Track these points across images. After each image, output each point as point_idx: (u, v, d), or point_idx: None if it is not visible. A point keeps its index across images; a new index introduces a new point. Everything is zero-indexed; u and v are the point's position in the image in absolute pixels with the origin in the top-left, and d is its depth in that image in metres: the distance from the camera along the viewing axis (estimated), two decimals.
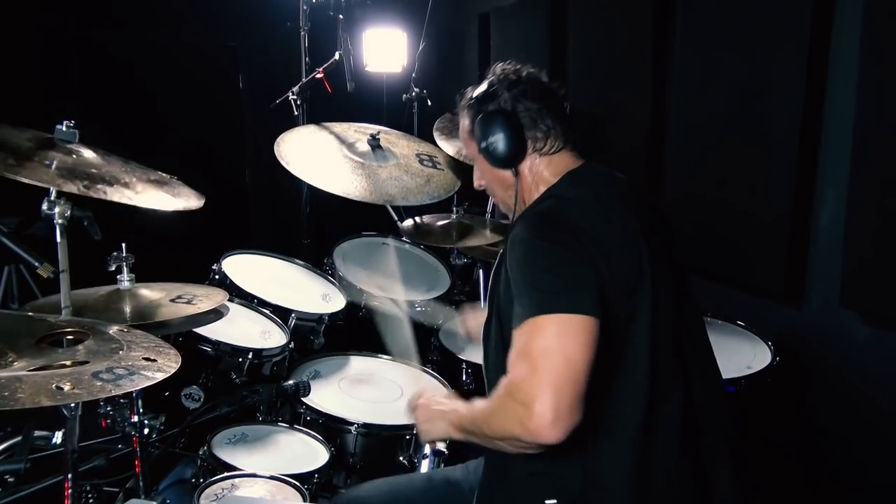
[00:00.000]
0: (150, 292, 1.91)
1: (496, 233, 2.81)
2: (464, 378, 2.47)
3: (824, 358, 2.38)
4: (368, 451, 2.07)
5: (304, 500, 1.75)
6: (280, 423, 2.10)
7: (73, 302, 1.69)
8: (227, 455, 1.89)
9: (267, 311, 2.41)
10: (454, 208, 2.89)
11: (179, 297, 1.92)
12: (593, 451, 1.30)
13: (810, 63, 2.28)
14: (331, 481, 2.01)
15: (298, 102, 3.06)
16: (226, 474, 1.79)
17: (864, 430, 2.26)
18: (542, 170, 1.46)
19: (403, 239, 2.96)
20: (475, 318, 1.87)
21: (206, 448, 1.92)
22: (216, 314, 1.98)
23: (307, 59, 3.23)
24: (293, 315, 2.42)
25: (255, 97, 4.96)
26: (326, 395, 2.21)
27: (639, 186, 1.53)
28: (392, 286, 2.72)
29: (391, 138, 2.69)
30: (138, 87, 4.61)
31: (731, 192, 2.62)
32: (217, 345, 2.16)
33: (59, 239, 1.63)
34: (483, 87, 1.51)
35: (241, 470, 1.82)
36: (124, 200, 1.65)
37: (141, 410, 1.80)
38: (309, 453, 1.99)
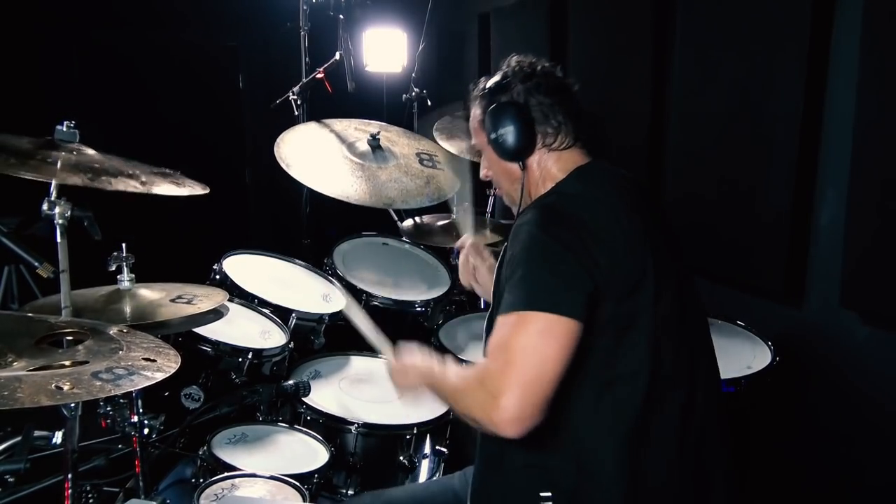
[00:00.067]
0: (150, 292, 1.91)
1: (496, 233, 2.81)
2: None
3: (824, 358, 2.38)
4: (368, 451, 2.07)
5: (304, 500, 1.75)
6: (280, 423, 2.10)
7: (73, 302, 1.69)
8: (227, 455, 1.89)
9: (267, 311, 2.41)
10: (454, 208, 2.89)
11: (179, 297, 1.92)
12: (589, 445, 1.31)
13: (810, 63, 2.28)
14: (331, 481, 2.01)
15: (299, 102, 3.06)
16: (226, 474, 1.79)
17: (864, 430, 2.26)
18: (550, 165, 1.46)
19: (403, 239, 2.96)
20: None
21: (206, 448, 1.92)
22: (216, 314, 1.98)
23: (307, 59, 3.23)
24: (293, 315, 2.42)
25: (256, 97, 4.96)
26: (326, 395, 2.21)
27: (643, 185, 1.53)
28: (392, 286, 2.72)
29: (391, 136, 2.69)
30: (138, 87, 4.61)
31: (731, 191, 2.62)
32: (217, 345, 2.16)
33: (59, 239, 1.63)
34: (497, 77, 1.50)
35: (241, 470, 1.82)
36: (129, 189, 1.66)
37: (141, 410, 1.80)
38: (309, 453, 1.99)
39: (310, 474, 1.87)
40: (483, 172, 1.61)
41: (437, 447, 2.14)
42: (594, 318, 1.27)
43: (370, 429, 2.06)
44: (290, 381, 2.05)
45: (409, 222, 2.95)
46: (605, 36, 3.28)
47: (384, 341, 1.74)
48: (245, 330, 2.31)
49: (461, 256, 1.82)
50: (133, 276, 1.89)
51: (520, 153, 1.45)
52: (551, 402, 1.22)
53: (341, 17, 3.12)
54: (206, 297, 1.94)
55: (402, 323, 2.69)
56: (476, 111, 1.53)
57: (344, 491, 2.02)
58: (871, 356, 2.22)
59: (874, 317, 2.19)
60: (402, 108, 3.70)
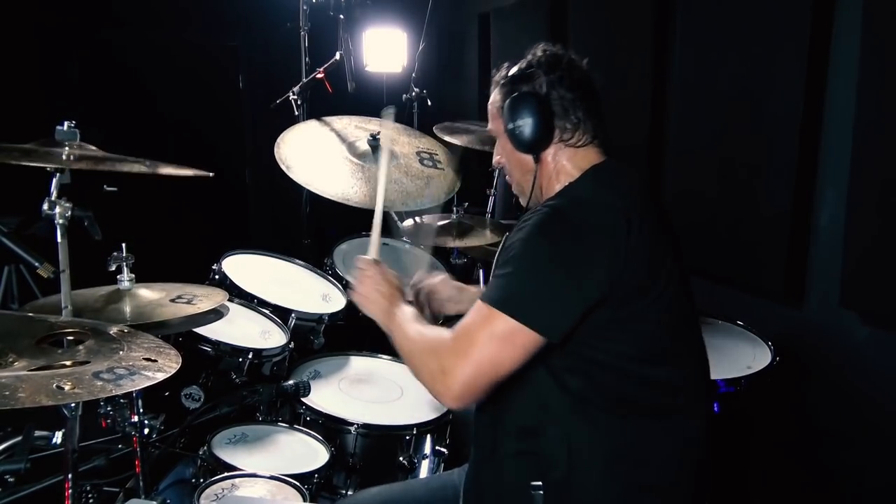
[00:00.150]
0: (150, 292, 1.91)
1: (496, 233, 2.81)
2: None
3: (824, 358, 2.38)
4: (368, 452, 2.07)
5: (304, 500, 1.75)
6: (280, 423, 2.10)
7: (73, 302, 1.69)
8: (227, 455, 1.89)
9: (267, 311, 2.41)
10: (454, 208, 2.89)
11: (179, 297, 1.92)
12: (580, 436, 1.32)
13: (810, 63, 2.28)
14: (331, 481, 2.01)
15: (299, 102, 3.06)
16: (226, 474, 1.79)
17: (864, 431, 2.26)
18: (565, 162, 1.44)
19: (403, 239, 2.96)
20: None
21: (206, 448, 1.92)
22: (216, 314, 1.98)
23: (307, 59, 3.23)
24: (293, 315, 2.42)
25: (256, 97, 4.96)
26: (326, 395, 2.21)
27: (651, 187, 1.52)
28: None
29: (392, 134, 2.69)
30: (138, 86, 4.61)
31: (731, 191, 2.62)
32: (217, 345, 2.16)
33: (59, 239, 1.63)
34: (521, 65, 1.46)
35: (241, 470, 1.82)
36: (135, 171, 1.66)
37: (141, 410, 1.80)
38: (309, 453, 1.99)
39: (310, 474, 1.87)
40: (495, 159, 1.57)
41: (437, 447, 2.14)
42: (590, 319, 1.28)
43: (370, 429, 2.06)
44: (290, 381, 2.05)
45: (409, 222, 2.95)
46: (605, 36, 3.28)
47: (377, 248, 1.73)
48: (245, 330, 2.31)
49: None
50: (133, 276, 1.89)
51: (535, 146, 1.43)
52: (494, 387, 1.30)
53: (341, 17, 3.12)
54: (206, 297, 1.94)
55: None
56: (496, 96, 1.50)
57: (344, 491, 2.01)
58: (871, 356, 2.22)
59: (874, 317, 2.19)
60: (403, 108, 3.70)
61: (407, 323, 1.46)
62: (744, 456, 2.42)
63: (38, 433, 1.81)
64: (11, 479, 1.74)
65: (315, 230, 3.35)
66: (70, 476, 1.57)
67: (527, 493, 1.33)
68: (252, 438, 2.02)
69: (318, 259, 2.85)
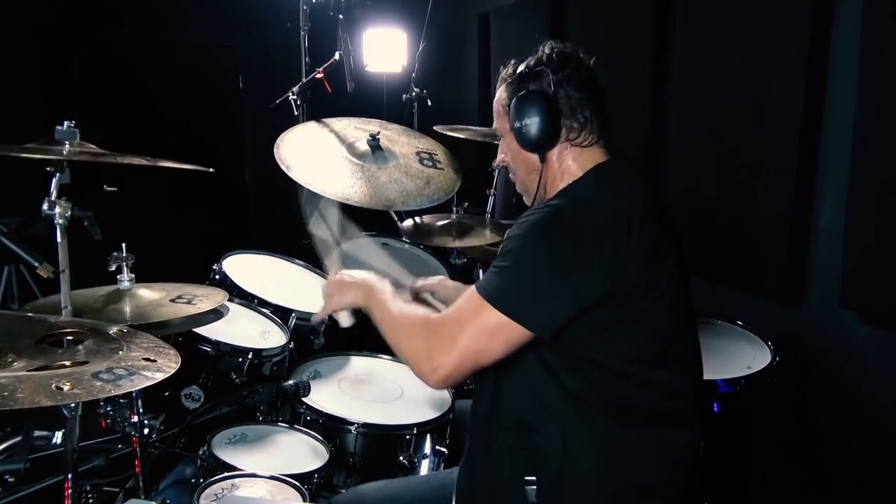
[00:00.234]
0: (150, 292, 1.91)
1: (496, 233, 2.81)
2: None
3: (824, 358, 2.38)
4: (368, 451, 2.07)
5: (304, 500, 1.75)
6: (280, 423, 2.10)
7: (73, 302, 1.69)
8: (227, 455, 1.89)
9: (267, 311, 2.41)
10: (454, 208, 2.89)
11: (179, 297, 1.92)
12: (576, 434, 1.32)
13: (810, 63, 2.28)
14: (331, 481, 2.01)
15: (298, 102, 3.05)
16: (226, 474, 1.79)
17: (864, 431, 2.26)
18: (570, 161, 1.44)
19: (403, 239, 2.96)
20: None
21: (206, 448, 1.92)
22: (216, 314, 1.97)
23: (307, 59, 3.23)
24: (293, 315, 2.42)
25: (255, 97, 4.96)
26: (326, 395, 2.21)
27: (653, 188, 1.52)
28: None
29: (391, 135, 2.69)
30: (138, 86, 4.62)
31: (731, 191, 2.62)
32: (217, 345, 2.16)
33: (59, 239, 1.63)
34: (529, 62, 1.45)
35: (241, 470, 1.82)
36: (135, 163, 1.67)
37: (141, 410, 1.80)
38: (309, 453, 1.99)
39: (310, 474, 1.87)
40: (499, 158, 1.56)
41: (437, 447, 2.14)
42: (581, 320, 1.29)
43: (370, 429, 2.06)
44: (290, 381, 2.05)
45: (409, 222, 2.94)
46: (605, 36, 3.28)
47: (335, 255, 1.77)
48: (245, 330, 2.31)
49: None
50: (133, 276, 1.89)
51: (542, 145, 1.42)
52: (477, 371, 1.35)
53: (341, 17, 3.12)
54: (206, 297, 1.94)
55: None
56: (502, 94, 1.48)
57: (344, 491, 2.01)
58: (871, 356, 2.22)
59: (874, 317, 2.19)
60: (402, 108, 3.70)
61: (388, 299, 1.49)
62: (744, 456, 2.42)
63: (37, 433, 1.81)
64: (11, 479, 1.75)
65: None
66: (70, 476, 1.57)
67: (520, 488, 1.33)
68: (252, 438, 2.02)
69: (318, 259, 2.84)
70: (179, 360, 1.38)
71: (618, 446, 1.33)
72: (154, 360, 1.34)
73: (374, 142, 2.54)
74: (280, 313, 2.41)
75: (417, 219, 2.94)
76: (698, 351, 1.47)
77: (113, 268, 1.87)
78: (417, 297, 1.82)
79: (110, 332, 1.45)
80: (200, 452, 1.93)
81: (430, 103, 3.66)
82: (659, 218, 1.39)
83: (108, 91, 4.60)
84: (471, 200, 2.97)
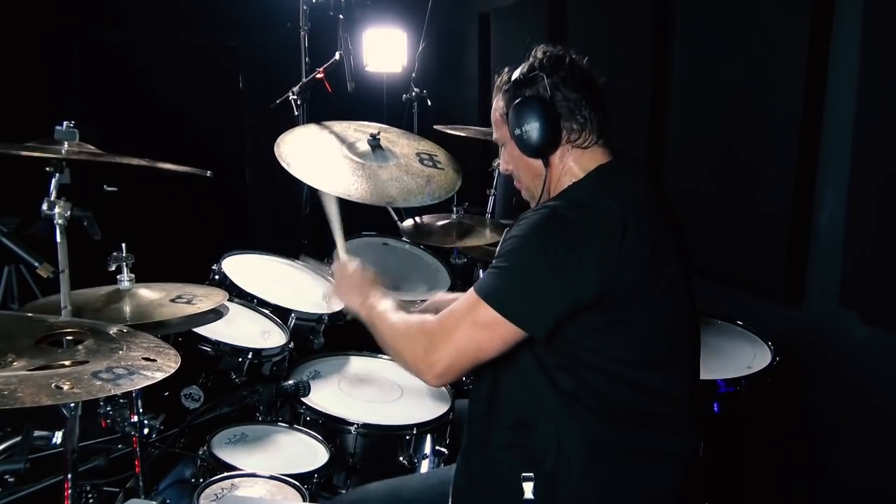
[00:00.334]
0: (149, 292, 1.91)
1: (496, 233, 2.81)
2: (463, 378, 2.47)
3: (824, 358, 2.38)
4: (368, 451, 2.07)
5: (304, 500, 1.75)
6: (280, 423, 2.09)
7: (73, 302, 1.69)
8: (227, 455, 1.89)
9: (267, 311, 2.41)
10: (454, 208, 2.89)
11: (179, 297, 1.92)
12: (570, 433, 1.33)
13: (810, 63, 2.27)
14: (331, 481, 2.01)
15: (298, 102, 3.06)
16: (226, 474, 1.79)
17: (864, 431, 2.26)
18: (572, 163, 1.44)
19: (403, 239, 2.96)
20: None
21: (206, 448, 1.92)
22: (216, 314, 1.98)
23: (307, 59, 3.23)
24: (293, 315, 2.42)
25: (256, 97, 4.96)
26: (326, 395, 2.21)
27: (655, 185, 1.52)
28: (392, 286, 2.71)
29: (391, 137, 2.69)
30: (138, 87, 4.62)
31: (731, 191, 2.62)
32: (217, 345, 2.16)
33: (59, 239, 1.63)
34: (523, 69, 1.44)
35: (241, 470, 1.82)
36: (134, 163, 1.68)
37: (141, 410, 1.80)
38: (309, 453, 1.99)
39: (310, 474, 1.87)
40: (503, 167, 1.56)
41: (437, 447, 2.14)
42: (576, 320, 1.30)
43: (370, 429, 2.06)
44: (290, 381, 2.05)
45: (409, 222, 2.94)
46: (605, 36, 3.28)
47: (343, 242, 1.80)
48: (245, 330, 2.31)
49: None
50: (133, 276, 1.89)
51: (545, 149, 1.42)
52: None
53: (341, 17, 3.12)
54: (205, 297, 1.94)
55: None
56: (499, 103, 1.49)
57: (344, 491, 2.01)
58: (871, 356, 2.22)
59: (874, 317, 2.19)
60: (402, 108, 3.70)
61: (388, 311, 1.50)
62: (744, 456, 2.42)
63: (37, 433, 1.81)
64: (11, 479, 1.75)
65: (315, 230, 3.35)
66: (70, 476, 1.57)
67: (517, 485, 1.34)
68: (252, 438, 2.02)
69: (318, 259, 2.85)
70: (179, 359, 1.38)
71: (610, 447, 1.33)
72: (154, 360, 1.34)
73: (374, 141, 2.55)
74: (280, 313, 2.41)
75: (417, 219, 2.94)
76: (697, 353, 1.46)
77: (113, 268, 1.87)
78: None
79: (110, 331, 1.45)
80: (200, 452, 1.93)
81: (430, 103, 3.66)
82: (661, 218, 1.39)
83: (107, 91, 4.60)
84: (471, 200, 2.97)
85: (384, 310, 1.51)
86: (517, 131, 1.42)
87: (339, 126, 2.68)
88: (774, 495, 2.58)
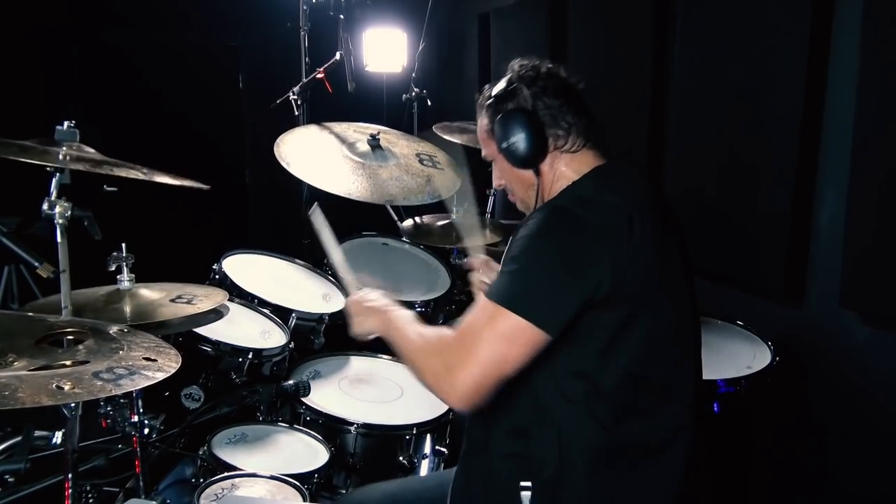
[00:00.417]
0: (150, 292, 1.91)
1: (496, 233, 2.81)
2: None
3: (824, 358, 2.38)
4: (368, 451, 2.07)
5: (304, 500, 1.75)
6: (280, 423, 2.10)
7: (73, 302, 1.69)
8: (227, 455, 1.89)
9: (267, 311, 2.41)
10: (454, 208, 2.89)
11: (179, 297, 1.92)
12: (574, 439, 1.32)
13: (810, 63, 2.27)
14: (331, 481, 2.01)
15: (299, 102, 3.06)
16: (226, 474, 1.79)
17: (864, 431, 2.26)
18: (564, 167, 1.44)
19: (403, 239, 2.96)
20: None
21: (206, 448, 1.92)
22: (216, 314, 1.98)
23: (307, 59, 3.23)
24: (293, 315, 2.42)
25: (256, 97, 4.96)
26: (326, 395, 2.21)
27: (656, 186, 1.52)
28: (392, 286, 2.72)
29: (391, 138, 2.69)
30: (138, 87, 4.61)
31: (731, 191, 2.62)
32: (217, 345, 2.16)
33: (59, 239, 1.63)
34: (502, 84, 1.46)
35: (241, 470, 1.82)
36: (131, 176, 1.66)
37: (141, 410, 1.80)
38: (309, 453, 1.99)
39: (310, 474, 1.87)
40: (496, 182, 1.58)
41: (437, 447, 2.14)
42: (588, 321, 1.28)
43: (370, 429, 2.06)
44: (290, 381, 2.05)
45: (409, 222, 2.95)
46: (605, 36, 3.28)
47: (347, 269, 1.76)
48: (245, 330, 2.31)
49: (474, 278, 1.79)
50: (133, 276, 1.89)
51: (533, 159, 1.43)
52: (501, 386, 1.28)
53: (341, 17, 3.12)
54: (206, 297, 1.94)
55: None
56: (483, 121, 1.51)
57: (344, 491, 2.02)
58: (871, 356, 2.22)
59: (874, 317, 2.19)
60: (402, 108, 3.71)
61: (405, 325, 1.44)
62: (744, 456, 2.42)
63: (38, 433, 1.81)
64: (11, 479, 1.75)
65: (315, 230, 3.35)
66: (70, 476, 1.57)
67: (515, 493, 1.33)
68: (252, 438, 2.02)
69: (318, 259, 2.85)
70: (179, 359, 1.39)
71: (616, 451, 1.32)
72: (154, 360, 1.35)
73: (374, 141, 2.55)
74: (280, 313, 2.41)
75: (417, 219, 2.94)
76: (699, 355, 1.46)
77: (113, 268, 1.87)
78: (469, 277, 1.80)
79: (110, 331, 1.45)
80: (200, 452, 1.93)
81: (429, 103, 3.66)
82: (662, 218, 1.39)
83: (108, 91, 4.60)
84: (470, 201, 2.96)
85: (402, 324, 1.45)
86: (504, 144, 1.43)
87: (339, 127, 2.68)
88: (774, 495, 2.58)
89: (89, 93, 4.58)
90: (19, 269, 3.87)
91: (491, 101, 1.47)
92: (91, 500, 1.90)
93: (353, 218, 2.87)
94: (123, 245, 1.86)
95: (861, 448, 2.28)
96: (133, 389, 1.28)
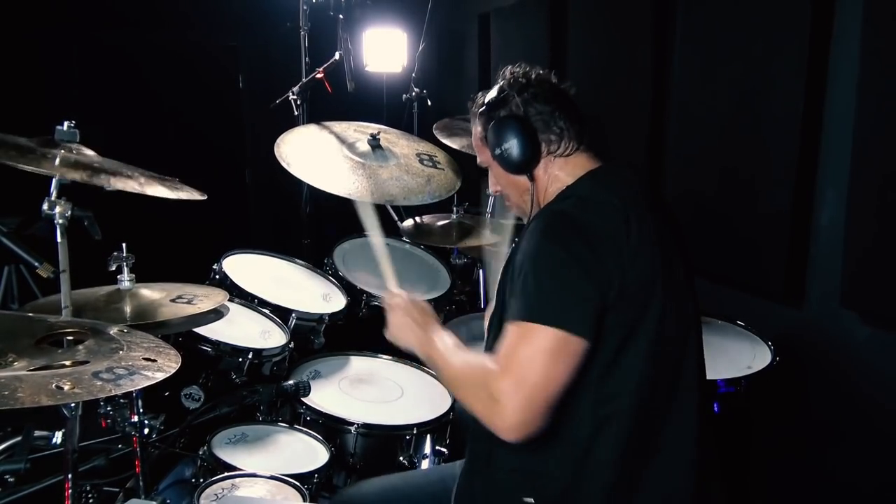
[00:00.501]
0: (150, 292, 1.91)
1: (496, 233, 2.81)
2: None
3: (824, 358, 2.38)
4: (368, 451, 2.07)
5: (304, 500, 1.75)
6: (280, 423, 2.10)
7: (73, 302, 1.69)
8: (227, 455, 1.89)
9: (267, 311, 2.41)
10: (454, 208, 2.89)
11: (179, 297, 1.92)
12: (583, 456, 1.30)
13: (810, 63, 2.27)
14: (331, 481, 2.01)
15: (298, 102, 3.06)
16: (226, 474, 1.79)
17: (864, 430, 2.26)
18: (558, 172, 1.45)
19: (403, 239, 2.96)
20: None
21: (206, 448, 1.92)
22: (216, 314, 1.98)
23: (307, 59, 3.23)
24: (293, 315, 2.42)
25: (256, 97, 4.96)
26: (326, 395, 2.21)
27: (653, 188, 1.52)
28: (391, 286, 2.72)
29: (391, 138, 2.69)
30: (139, 87, 4.61)
31: (731, 191, 2.62)
32: (217, 345, 2.17)
33: (59, 239, 1.63)
34: (493, 92, 1.49)
35: (241, 470, 1.82)
36: (128, 189, 1.66)
37: (141, 410, 1.80)
38: (309, 453, 1.99)
39: (310, 474, 1.87)
40: (492, 189, 1.60)
41: (437, 447, 2.14)
42: (614, 320, 1.27)
43: (370, 429, 2.06)
44: (290, 381, 2.05)
45: (409, 222, 2.95)
46: (605, 36, 3.28)
47: (389, 260, 1.71)
48: (245, 330, 2.32)
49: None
50: (133, 276, 1.89)
51: (526, 165, 1.44)
52: (553, 409, 1.22)
53: (341, 17, 3.12)
54: (206, 297, 1.94)
55: None
56: (477, 128, 1.53)
57: (343, 489, 2.01)
58: (872, 356, 2.22)
59: (874, 317, 2.19)
60: (402, 108, 3.70)
61: (449, 351, 1.39)
62: (744, 456, 2.42)
63: (38, 433, 1.81)
64: (11, 479, 1.74)
65: (315, 230, 3.35)
66: (70, 476, 1.57)
67: None
68: (252, 438, 2.02)
69: (318, 259, 2.85)
70: (179, 359, 1.39)
71: (630, 458, 1.31)
72: (154, 360, 1.35)
73: (374, 141, 2.55)
74: (280, 313, 2.41)
75: (417, 219, 2.94)
76: (703, 354, 1.46)
77: (113, 268, 1.87)
78: None
79: (110, 331, 1.45)
80: (200, 452, 1.93)
81: (429, 103, 3.66)
82: (660, 218, 1.39)
83: (108, 91, 4.60)
84: (471, 200, 2.97)
85: (445, 350, 1.39)
86: (497, 151, 1.45)
87: (339, 127, 2.68)
88: (774, 495, 2.58)
89: (89, 93, 4.57)
90: (19, 269, 3.87)
91: (483, 108, 1.49)
92: (91, 500, 1.90)
93: (354, 218, 2.87)
94: (123, 245, 1.86)
95: (861, 448, 2.28)
96: (133, 389, 1.28)
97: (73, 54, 4.60)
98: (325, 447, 2.00)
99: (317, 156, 2.47)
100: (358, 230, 2.98)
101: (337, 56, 2.99)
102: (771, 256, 2.47)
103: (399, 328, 1.51)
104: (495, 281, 1.71)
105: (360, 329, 2.64)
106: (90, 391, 1.19)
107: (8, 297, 3.84)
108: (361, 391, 2.29)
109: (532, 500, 1.31)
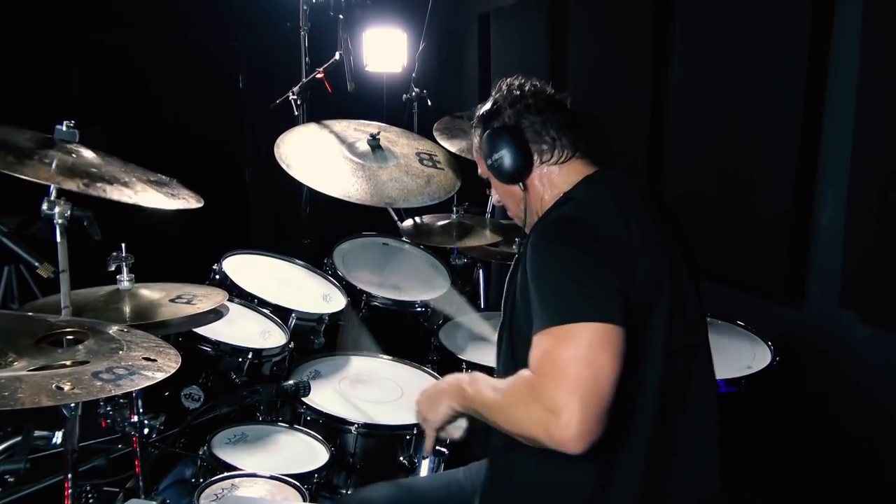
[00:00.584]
0: (149, 292, 1.91)
1: (496, 233, 2.81)
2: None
3: (825, 358, 2.38)
4: (368, 452, 2.07)
5: (304, 500, 1.75)
6: (280, 423, 2.09)
7: (73, 302, 1.69)
8: (227, 455, 1.89)
9: (267, 311, 2.41)
10: (454, 208, 2.89)
11: (179, 297, 1.92)
12: (608, 462, 1.28)
13: (810, 63, 2.28)
14: (331, 481, 2.01)
15: (298, 102, 3.06)
16: (226, 474, 1.79)
17: (864, 430, 2.26)
18: (554, 179, 1.47)
19: (403, 239, 2.96)
20: None
21: (206, 448, 1.92)
22: (216, 314, 1.98)
23: (307, 59, 3.23)
24: (293, 315, 2.42)
25: (256, 97, 4.96)
26: (326, 395, 2.21)
27: (652, 191, 1.53)
28: (392, 286, 2.72)
29: (391, 136, 2.69)
30: (138, 87, 4.61)
31: (731, 192, 2.62)
32: (217, 345, 2.16)
33: (59, 239, 1.63)
34: (488, 104, 1.53)
35: (241, 470, 1.82)
36: (123, 199, 1.65)
37: (141, 410, 1.80)
38: (309, 453, 1.99)
39: (310, 474, 1.87)
40: (494, 199, 1.64)
41: (438, 447, 2.14)
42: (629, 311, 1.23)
43: (370, 429, 2.06)
44: (290, 381, 2.04)
45: (409, 222, 2.94)
46: (605, 36, 3.28)
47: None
48: (245, 330, 2.31)
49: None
50: (133, 276, 1.89)
51: (519, 174, 1.47)
52: (610, 410, 1.15)
53: (341, 17, 3.12)
54: (206, 297, 1.94)
55: (401, 323, 2.70)
56: (475, 140, 1.56)
57: (344, 491, 2.02)
58: (872, 356, 2.22)
59: (874, 317, 2.19)
60: (402, 108, 3.70)
61: (479, 389, 1.32)
62: (744, 456, 2.42)
63: (37, 433, 1.81)
64: (11, 479, 1.74)
65: (315, 230, 3.35)
66: (70, 476, 1.57)
67: None
68: (252, 438, 2.02)
69: (318, 259, 2.85)
70: (179, 359, 1.38)
71: (653, 473, 1.30)
72: (154, 360, 1.35)
73: (374, 141, 2.55)
74: (280, 313, 2.41)
75: (417, 219, 2.94)
76: (710, 351, 1.45)
77: (113, 268, 1.87)
78: None
79: (110, 331, 1.45)
80: (200, 452, 1.93)
81: (430, 103, 3.66)
82: (660, 219, 1.39)
83: (108, 91, 4.60)
84: (471, 200, 2.97)
85: (476, 390, 1.32)
86: (489, 161, 1.48)
87: (339, 126, 2.68)
88: (774, 495, 2.58)
89: (89, 93, 4.58)
90: (19, 269, 3.87)
91: (479, 119, 1.54)
92: (91, 500, 1.89)
93: (353, 218, 2.87)
94: (123, 245, 1.86)
95: (861, 448, 2.28)
96: (133, 389, 1.28)
97: (73, 54, 4.60)
98: (325, 447, 2.00)
99: (317, 157, 2.47)
100: (358, 230, 2.99)
101: (337, 56, 2.99)
102: (771, 256, 2.47)
103: (432, 417, 1.44)
104: None
105: (359, 329, 2.64)
106: (90, 391, 1.19)
107: (8, 297, 3.84)
108: (361, 391, 2.29)
109: None
